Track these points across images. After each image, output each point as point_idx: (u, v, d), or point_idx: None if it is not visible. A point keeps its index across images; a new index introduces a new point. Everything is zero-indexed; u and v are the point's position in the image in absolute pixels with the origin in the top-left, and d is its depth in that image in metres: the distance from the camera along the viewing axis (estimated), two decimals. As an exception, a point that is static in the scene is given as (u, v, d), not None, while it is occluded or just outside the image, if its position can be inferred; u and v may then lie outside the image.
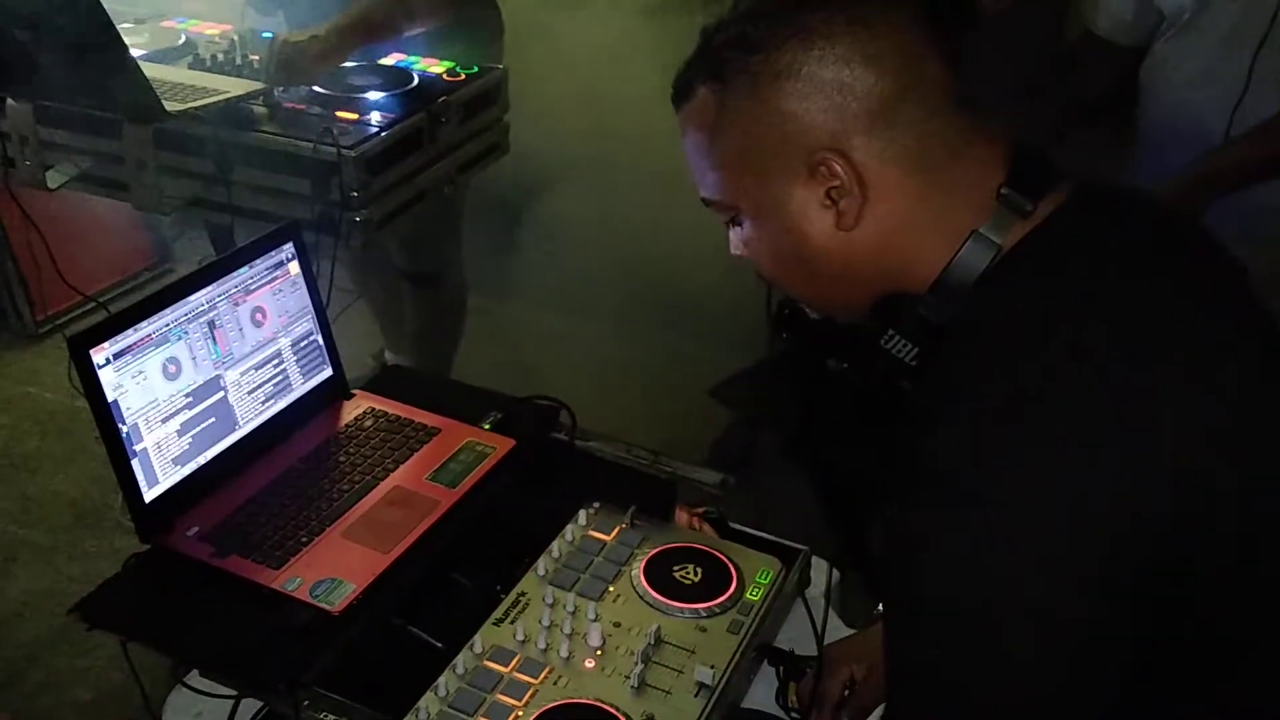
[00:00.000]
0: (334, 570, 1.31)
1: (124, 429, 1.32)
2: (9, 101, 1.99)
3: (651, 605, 1.32)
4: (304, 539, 1.36)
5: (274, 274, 1.52)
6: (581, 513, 1.46)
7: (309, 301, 1.58)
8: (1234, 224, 1.81)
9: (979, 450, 0.82)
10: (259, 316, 1.50)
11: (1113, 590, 0.80)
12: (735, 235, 1.01)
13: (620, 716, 1.17)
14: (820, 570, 1.44)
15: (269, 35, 2.27)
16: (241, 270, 1.48)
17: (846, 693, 1.29)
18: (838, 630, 1.38)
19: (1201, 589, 0.84)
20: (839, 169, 0.90)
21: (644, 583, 1.34)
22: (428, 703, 1.18)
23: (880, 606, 1.37)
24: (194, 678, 1.30)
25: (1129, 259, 0.89)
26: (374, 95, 2.07)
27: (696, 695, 1.20)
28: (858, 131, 0.90)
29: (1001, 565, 0.81)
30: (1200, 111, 1.92)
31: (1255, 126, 1.83)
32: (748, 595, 1.34)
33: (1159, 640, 0.84)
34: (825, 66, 0.89)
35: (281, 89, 2.03)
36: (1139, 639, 0.83)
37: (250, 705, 1.27)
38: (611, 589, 1.34)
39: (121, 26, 1.85)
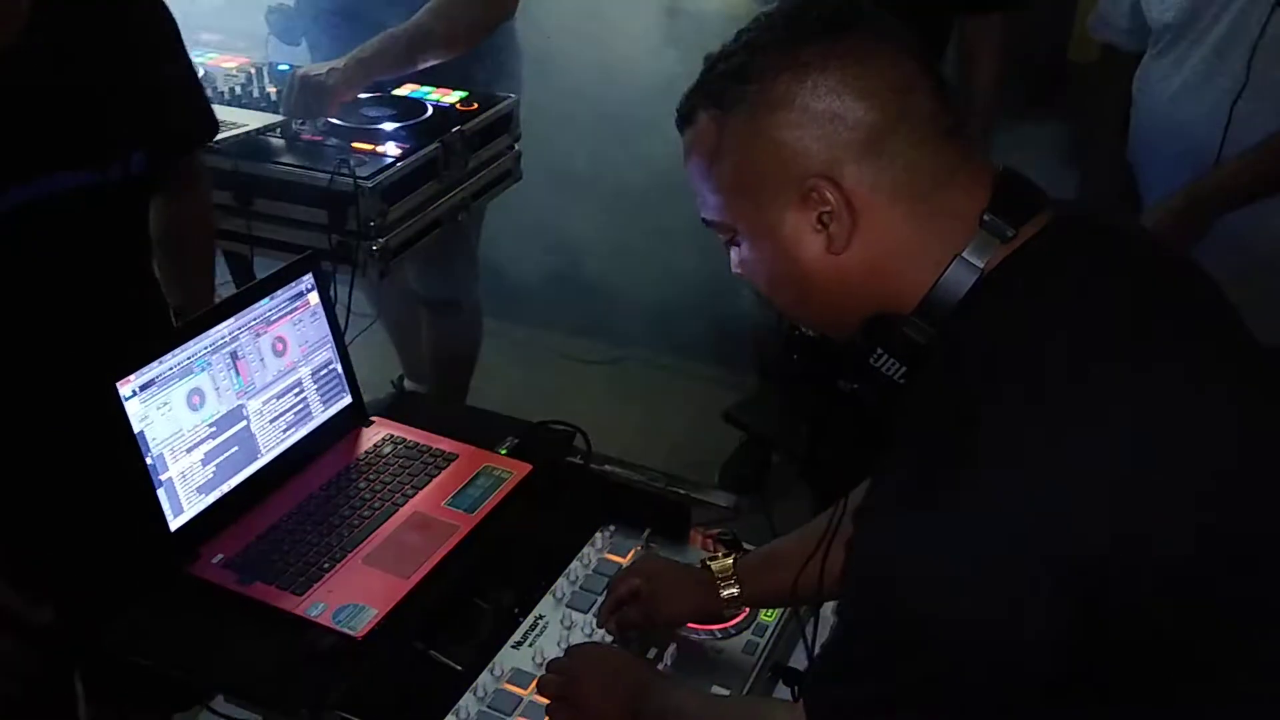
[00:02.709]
0: (356, 595, 1.33)
1: (150, 459, 1.35)
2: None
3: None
4: (326, 565, 1.38)
5: (294, 305, 1.55)
6: (597, 536, 1.48)
7: (328, 331, 1.61)
8: (1227, 242, 1.84)
9: (935, 467, 0.86)
10: (279, 347, 1.53)
11: (1049, 597, 0.83)
12: (734, 255, 1.05)
13: (638, 737, 1.19)
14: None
15: (285, 68, 2.31)
16: (263, 302, 1.51)
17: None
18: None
19: (1149, 612, 0.86)
20: (829, 195, 0.93)
21: (660, 605, 1.36)
22: (449, 725, 1.21)
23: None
24: (219, 703, 1.32)
25: (1101, 283, 0.92)
26: (389, 126, 2.11)
27: (713, 715, 1.22)
28: (848, 160, 0.93)
29: (943, 574, 0.84)
30: (1191, 123, 1.94)
31: (1255, 144, 1.85)
32: (762, 616, 1.36)
33: (1108, 658, 0.87)
34: (818, 97, 0.93)
35: (299, 121, 2.07)
36: (1082, 654, 0.86)
37: (275, 729, 1.30)
38: (628, 611, 1.36)
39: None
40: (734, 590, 1.31)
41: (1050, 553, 0.82)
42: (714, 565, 1.33)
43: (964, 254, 0.93)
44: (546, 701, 1.23)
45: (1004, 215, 0.93)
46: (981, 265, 0.92)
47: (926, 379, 0.94)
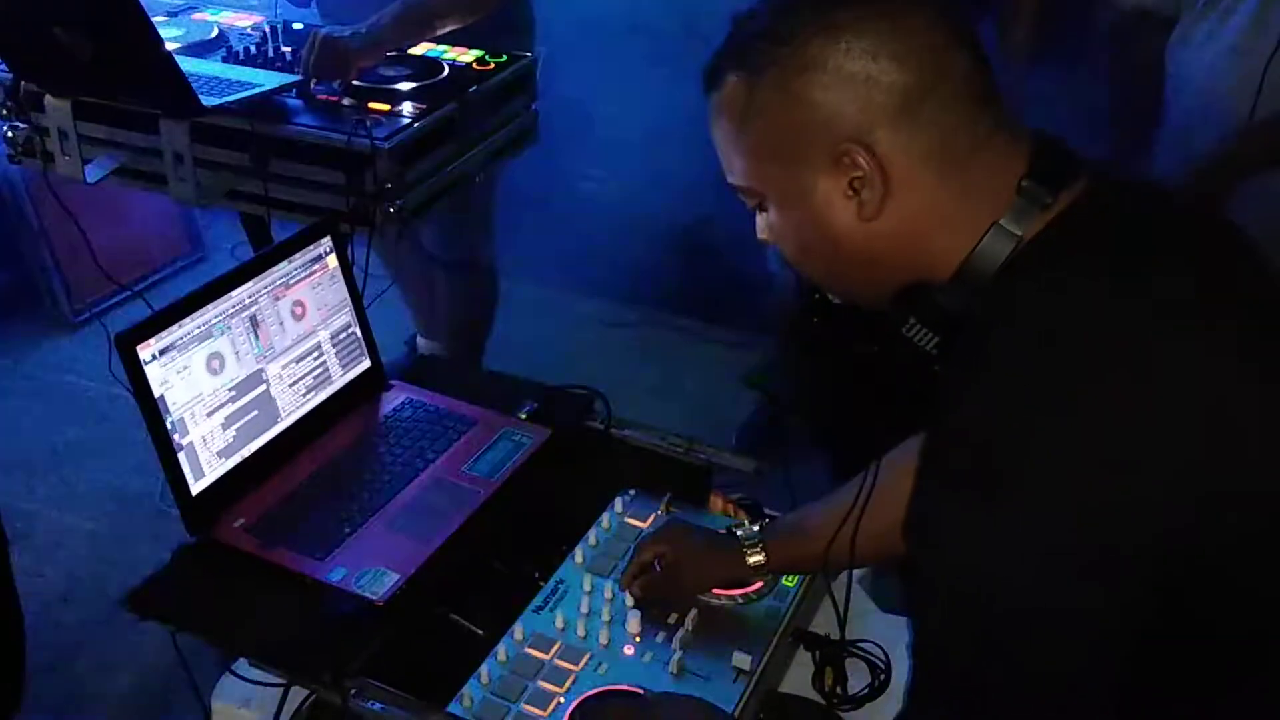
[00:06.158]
0: (377, 560, 1.34)
1: (170, 423, 1.35)
2: (48, 98, 2.02)
3: (689, 592, 1.34)
4: (347, 530, 1.38)
5: (313, 268, 1.55)
6: (618, 500, 1.48)
7: (347, 294, 1.61)
8: (1261, 209, 1.81)
9: (991, 439, 0.83)
10: (299, 310, 1.53)
11: (1116, 586, 0.82)
12: (762, 221, 1.03)
13: (660, 703, 1.19)
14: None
15: (301, 27, 2.28)
16: (281, 265, 1.50)
17: (657, 566, 1.33)
18: (870, 613, 1.40)
19: (1209, 594, 0.85)
20: (862, 160, 0.91)
21: (681, 570, 1.36)
22: (471, 690, 1.21)
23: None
24: (242, 666, 1.33)
25: (1143, 252, 0.89)
26: (405, 86, 2.08)
27: (735, 680, 1.22)
28: (881, 124, 0.91)
29: (1007, 551, 0.82)
30: (1225, 91, 1.90)
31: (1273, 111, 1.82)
32: (784, 581, 1.36)
33: (1162, 643, 0.86)
34: (851, 60, 0.90)
35: (315, 81, 2.05)
36: (1141, 637, 0.84)
37: (298, 693, 1.30)
38: (649, 576, 1.36)
39: (154, 19, 1.87)
40: (760, 557, 1.30)
41: (1125, 537, 0.80)
42: (740, 532, 1.32)
43: (1002, 221, 0.90)
44: (568, 666, 1.23)
45: (1043, 182, 0.91)
46: (1020, 233, 0.90)
47: (964, 352, 0.91)
